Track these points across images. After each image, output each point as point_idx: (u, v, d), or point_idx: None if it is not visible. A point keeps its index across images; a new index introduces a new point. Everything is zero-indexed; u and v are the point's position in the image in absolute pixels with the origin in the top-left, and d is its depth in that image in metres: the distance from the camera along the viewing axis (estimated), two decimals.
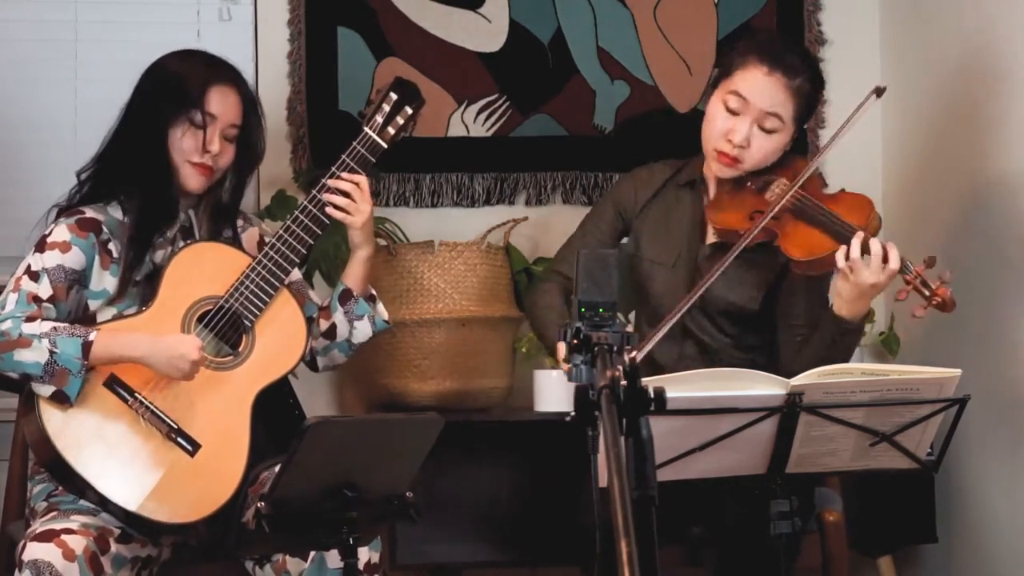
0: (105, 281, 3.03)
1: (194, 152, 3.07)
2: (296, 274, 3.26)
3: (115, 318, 3.00)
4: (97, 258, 3.03)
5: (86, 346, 2.88)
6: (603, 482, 1.96)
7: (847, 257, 2.98)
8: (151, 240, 3.06)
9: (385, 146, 3.19)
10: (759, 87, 3.15)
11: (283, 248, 3.08)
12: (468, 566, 3.65)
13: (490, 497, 3.59)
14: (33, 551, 2.75)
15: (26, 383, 2.91)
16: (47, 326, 2.91)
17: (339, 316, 3.22)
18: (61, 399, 2.88)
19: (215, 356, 3.01)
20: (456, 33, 4.03)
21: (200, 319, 3.02)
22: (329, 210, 3.12)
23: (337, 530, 2.64)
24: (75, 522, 2.83)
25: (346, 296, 3.23)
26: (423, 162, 4.00)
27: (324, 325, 3.23)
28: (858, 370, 2.78)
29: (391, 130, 3.20)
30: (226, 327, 3.03)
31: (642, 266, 3.31)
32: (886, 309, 4.06)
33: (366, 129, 3.19)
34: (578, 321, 2.10)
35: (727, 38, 4.08)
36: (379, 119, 3.20)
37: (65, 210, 3.08)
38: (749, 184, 3.21)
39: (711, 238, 3.24)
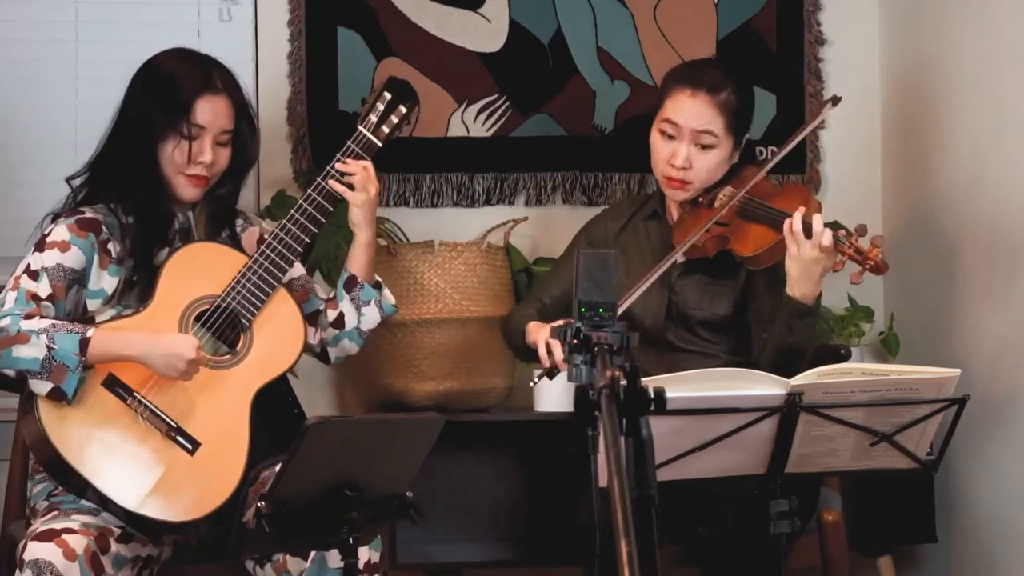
0: (103, 281, 3.03)
1: (186, 164, 3.07)
2: (299, 269, 3.26)
3: (113, 319, 3.00)
4: (96, 258, 3.03)
5: (84, 342, 2.88)
6: (603, 482, 1.96)
7: (791, 230, 3.13)
8: (152, 252, 3.07)
9: (380, 144, 3.21)
10: (686, 109, 3.35)
11: (279, 247, 3.08)
12: (468, 566, 3.65)
13: (490, 497, 3.60)
14: (34, 551, 2.75)
15: (24, 381, 2.90)
16: (45, 323, 2.91)
17: (346, 304, 3.23)
18: (59, 397, 2.88)
19: (213, 355, 3.01)
20: (456, 33, 4.03)
21: (197, 318, 3.02)
22: (333, 183, 3.13)
23: (337, 530, 2.64)
24: (76, 521, 2.83)
25: (351, 283, 3.23)
26: (423, 162, 4.00)
27: (332, 315, 3.23)
28: (858, 370, 2.78)
29: (385, 128, 3.21)
30: (224, 326, 3.03)
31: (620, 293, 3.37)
32: (886, 309, 4.06)
33: (360, 128, 3.20)
34: (578, 321, 2.10)
35: (727, 38, 4.08)
36: (373, 118, 3.21)
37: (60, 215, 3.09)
38: (701, 200, 3.40)
39: (681, 259, 3.36)
